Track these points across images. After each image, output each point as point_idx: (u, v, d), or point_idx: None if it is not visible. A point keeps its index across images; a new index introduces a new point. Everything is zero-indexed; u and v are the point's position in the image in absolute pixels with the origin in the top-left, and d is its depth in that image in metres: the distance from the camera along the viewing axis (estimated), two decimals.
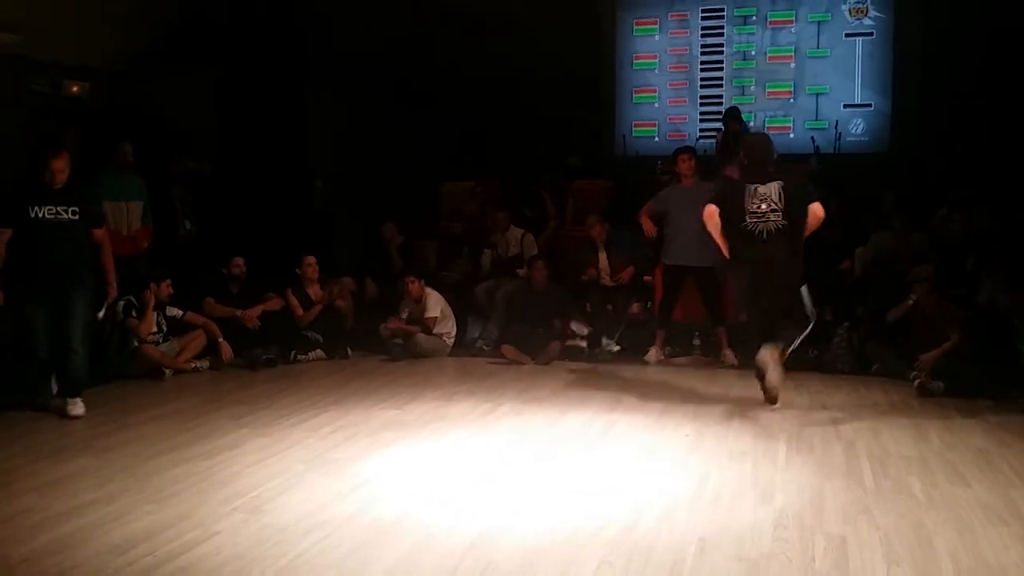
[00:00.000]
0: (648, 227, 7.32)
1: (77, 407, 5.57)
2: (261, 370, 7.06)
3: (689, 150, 7.45)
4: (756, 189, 5.61)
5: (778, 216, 5.55)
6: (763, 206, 5.58)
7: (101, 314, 5.94)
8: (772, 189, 5.59)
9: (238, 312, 7.40)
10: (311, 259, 7.70)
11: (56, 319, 5.55)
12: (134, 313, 6.79)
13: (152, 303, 6.83)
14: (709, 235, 6.89)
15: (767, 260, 5.56)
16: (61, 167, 5.56)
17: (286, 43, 9.97)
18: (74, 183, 5.67)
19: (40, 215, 5.49)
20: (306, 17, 10.19)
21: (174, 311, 7.06)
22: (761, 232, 5.58)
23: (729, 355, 7.13)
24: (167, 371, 6.71)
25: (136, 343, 6.71)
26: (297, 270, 7.68)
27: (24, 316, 5.51)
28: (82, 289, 5.64)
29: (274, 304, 7.60)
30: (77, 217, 5.60)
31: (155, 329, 6.89)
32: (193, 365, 6.98)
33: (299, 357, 7.40)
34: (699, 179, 7.17)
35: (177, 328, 7.06)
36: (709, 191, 7.00)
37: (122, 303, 6.76)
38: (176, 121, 9.17)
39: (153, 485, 4.25)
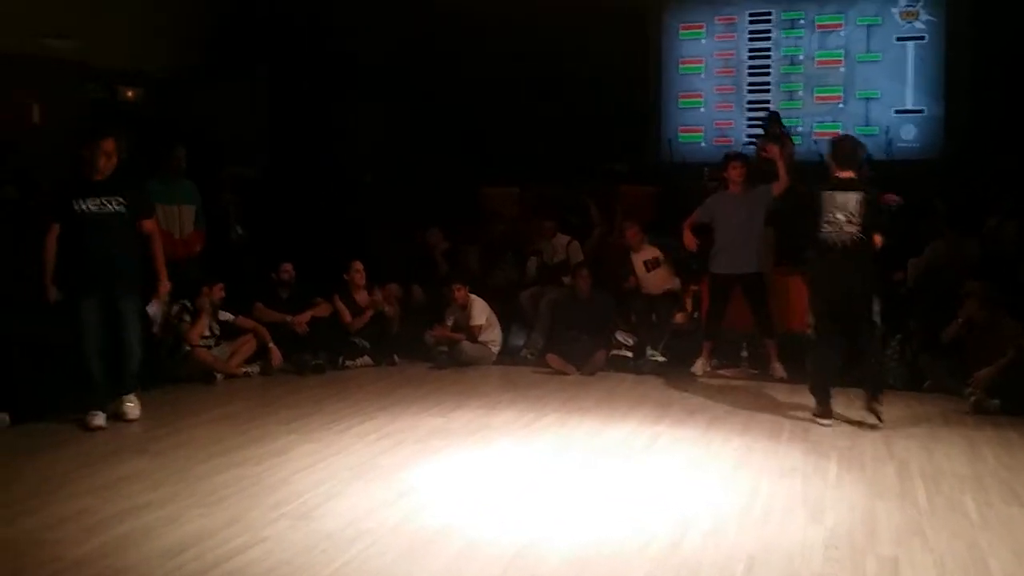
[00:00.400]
0: (689, 240, 7.20)
1: (133, 408, 5.59)
2: (309, 376, 7.14)
3: (740, 157, 7.37)
4: (834, 196, 5.49)
5: (853, 228, 5.43)
6: (839, 216, 5.46)
7: (152, 309, 5.91)
8: (851, 199, 5.47)
9: (288, 317, 7.48)
10: (359, 265, 7.75)
11: (108, 317, 5.46)
12: (187, 317, 6.90)
13: (206, 307, 6.93)
14: (757, 242, 6.86)
15: (840, 273, 5.48)
16: (109, 149, 5.43)
17: (333, 49, 10.09)
18: (120, 173, 5.54)
19: (85, 208, 5.37)
20: (352, 23, 10.31)
21: (226, 315, 7.17)
22: (835, 244, 5.48)
23: (778, 368, 7.02)
24: (218, 375, 6.81)
25: (188, 347, 6.82)
26: (345, 276, 7.74)
27: (76, 314, 5.40)
28: (133, 286, 5.57)
29: (323, 310, 7.67)
30: (124, 208, 5.47)
31: (207, 333, 7.00)
32: (244, 370, 7.08)
33: (347, 363, 7.46)
34: (748, 186, 7.10)
35: (228, 332, 7.16)
36: (757, 198, 6.96)
37: (176, 307, 6.88)
38: (226, 127, 9.34)
39: (203, 489, 4.32)
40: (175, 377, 6.74)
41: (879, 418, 5.52)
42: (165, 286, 5.81)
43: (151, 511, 4.01)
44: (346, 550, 3.58)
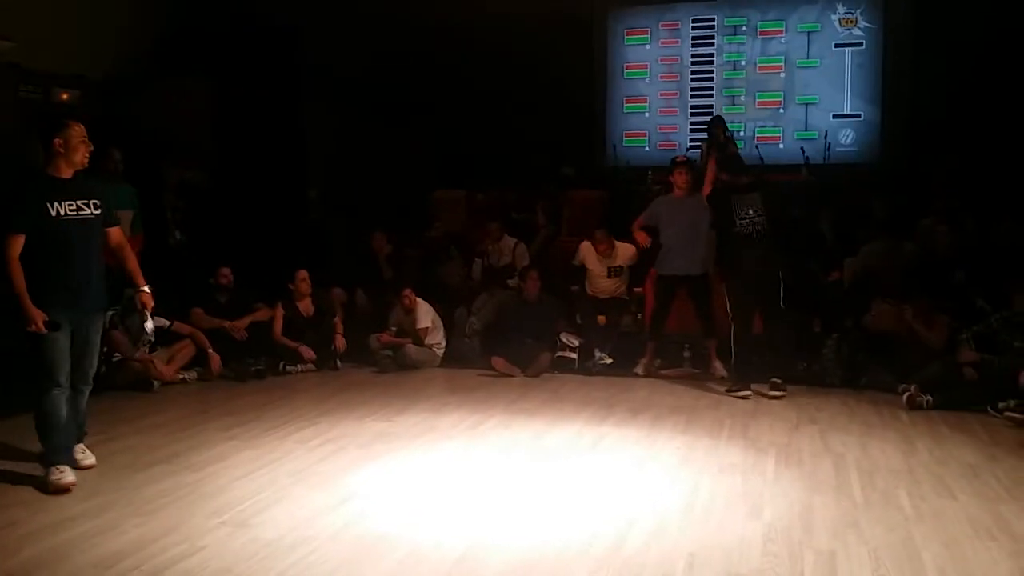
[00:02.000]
0: (643, 238, 7.31)
1: (88, 455, 4.74)
2: (250, 381, 7.03)
3: (687, 163, 7.46)
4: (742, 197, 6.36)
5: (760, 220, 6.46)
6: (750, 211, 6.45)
7: (151, 326, 4.88)
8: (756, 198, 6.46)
9: (226, 323, 7.36)
10: (304, 274, 7.65)
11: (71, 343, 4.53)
12: (119, 324, 6.75)
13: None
14: (702, 245, 6.97)
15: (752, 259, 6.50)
16: (86, 138, 4.52)
17: (281, 54, 9.98)
18: (85, 172, 4.64)
19: (61, 212, 4.40)
20: (301, 29, 10.21)
21: (161, 321, 7.01)
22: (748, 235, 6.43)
23: (718, 367, 7.14)
24: (155, 382, 6.67)
25: (121, 355, 6.67)
26: (290, 285, 7.63)
27: (43, 344, 4.39)
28: (103, 309, 4.79)
29: (262, 315, 7.58)
30: (99, 212, 4.57)
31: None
32: (181, 376, 6.94)
33: (288, 369, 7.37)
34: (693, 191, 7.20)
35: (165, 338, 7.02)
36: (701, 203, 7.07)
37: (110, 314, 6.71)
38: (170, 130, 9.15)
39: (140, 498, 4.23)
40: (110, 385, 6.58)
41: (782, 389, 6.40)
42: (150, 302, 4.81)
43: (86, 521, 3.92)
44: (286, 558, 3.53)
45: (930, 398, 6.04)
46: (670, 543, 3.67)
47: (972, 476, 4.58)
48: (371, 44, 10.65)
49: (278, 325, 7.50)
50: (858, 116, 10.98)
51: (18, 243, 4.34)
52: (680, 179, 7.23)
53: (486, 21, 10.55)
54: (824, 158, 10.46)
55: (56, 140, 4.40)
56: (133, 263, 4.79)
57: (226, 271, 7.60)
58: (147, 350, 6.83)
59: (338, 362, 7.58)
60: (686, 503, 4.16)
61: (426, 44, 10.90)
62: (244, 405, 6.21)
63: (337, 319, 7.80)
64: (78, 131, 4.47)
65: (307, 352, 7.44)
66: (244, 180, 9.54)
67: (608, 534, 3.76)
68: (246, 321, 7.47)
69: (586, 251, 7.84)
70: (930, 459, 4.90)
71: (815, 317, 7.14)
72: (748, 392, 6.42)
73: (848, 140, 10.99)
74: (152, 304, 4.80)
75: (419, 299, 7.65)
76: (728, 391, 6.55)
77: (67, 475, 4.37)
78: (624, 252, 7.76)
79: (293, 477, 4.54)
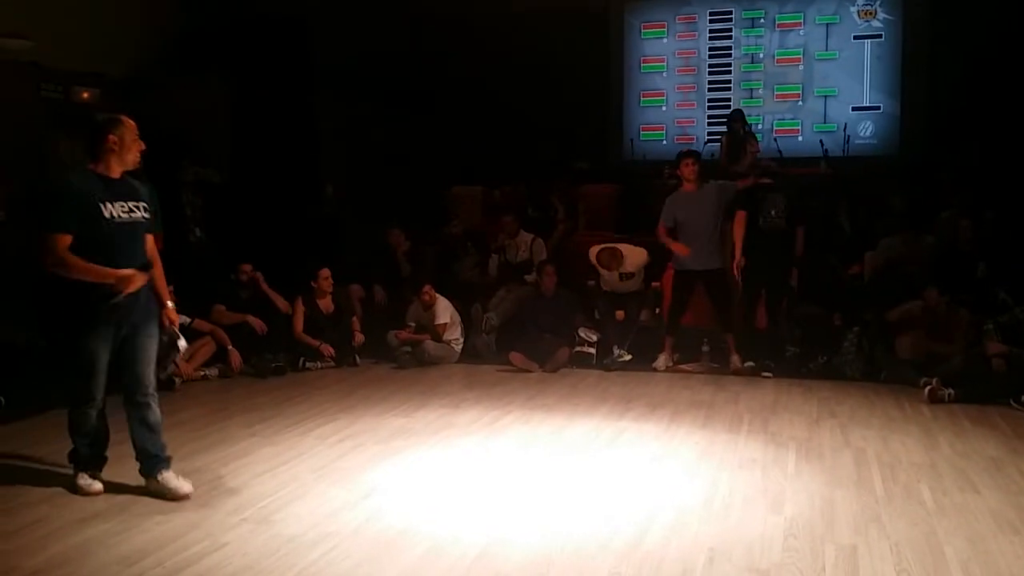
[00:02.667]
0: (679, 248, 7.18)
1: (183, 483, 4.26)
2: (270, 378, 7.07)
3: (693, 154, 7.41)
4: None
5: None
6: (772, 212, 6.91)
7: (183, 344, 4.59)
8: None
9: (248, 317, 7.41)
10: (326, 272, 7.66)
11: (114, 358, 4.20)
12: None
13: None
14: (715, 237, 6.95)
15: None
16: (138, 138, 4.18)
17: (296, 50, 10.02)
18: (133, 173, 4.29)
19: (114, 214, 4.06)
20: (315, 25, 10.24)
21: (182, 318, 7.05)
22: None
23: (736, 361, 7.11)
24: (176, 379, 6.72)
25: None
26: (312, 283, 7.66)
27: (83, 354, 4.10)
28: (155, 317, 4.33)
29: (282, 305, 7.60)
30: (148, 216, 4.25)
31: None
32: (202, 373, 6.99)
33: (308, 365, 7.41)
34: (702, 182, 7.17)
35: (185, 336, 7.05)
36: (712, 194, 7.05)
37: None
38: (187, 129, 9.22)
39: (165, 495, 4.25)
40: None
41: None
42: (175, 314, 4.50)
43: (109, 518, 3.95)
44: (307, 554, 3.55)
45: (952, 391, 6.00)
46: (690, 538, 3.67)
47: (995, 470, 4.55)
48: (387, 40, 10.68)
49: (299, 322, 7.54)
50: (877, 108, 10.91)
51: (65, 242, 3.96)
52: (688, 170, 7.19)
53: (503, 16, 10.56)
54: (843, 151, 10.42)
55: (110, 137, 4.07)
56: (160, 278, 4.40)
57: (247, 267, 7.63)
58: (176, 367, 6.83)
59: (357, 358, 7.61)
60: (706, 498, 4.15)
61: (441, 39, 10.92)
62: (264, 402, 6.25)
63: (355, 317, 7.83)
64: (132, 128, 4.17)
65: (327, 349, 7.47)
66: (260, 176, 9.60)
67: (628, 529, 3.75)
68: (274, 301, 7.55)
69: (595, 258, 7.83)
70: (952, 453, 4.87)
71: (835, 311, 7.10)
72: (770, 373, 6.86)
73: (867, 133, 10.92)
74: (178, 321, 4.52)
75: (438, 295, 7.67)
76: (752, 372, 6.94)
77: (94, 484, 4.32)
78: (635, 259, 7.72)
79: (314, 473, 4.56)
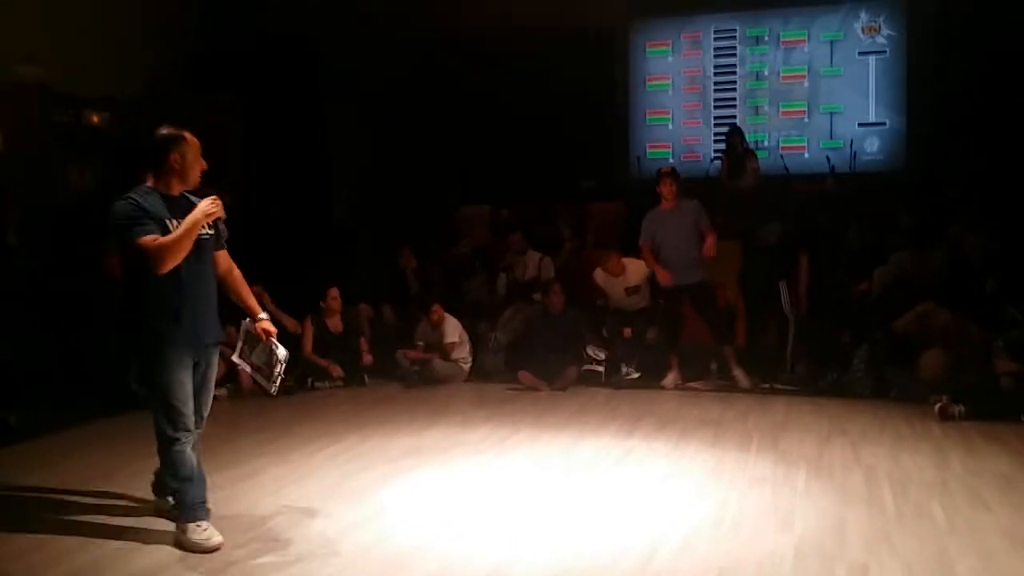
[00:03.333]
0: (663, 276, 7.28)
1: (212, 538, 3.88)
2: (279, 398, 7.06)
3: (672, 173, 7.45)
4: None
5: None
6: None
7: (283, 352, 4.32)
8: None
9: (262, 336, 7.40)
10: (335, 292, 7.69)
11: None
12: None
13: None
14: (696, 253, 6.98)
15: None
16: (201, 156, 3.99)
17: (305, 71, 10.10)
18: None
19: None
20: (325, 44, 10.32)
21: None
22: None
23: (740, 375, 7.11)
24: None
25: None
26: (321, 302, 7.68)
27: (170, 385, 3.86)
28: (219, 341, 4.18)
29: (291, 326, 7.62)
30: (212, 232, 4.03)
31: None
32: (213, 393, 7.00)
33: (316, 385, 7.42)
34: (680, 200, 7.20)
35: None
36: (690, 211, 7.11)
37: None
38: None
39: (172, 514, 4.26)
40: (144, 403, 6.65)
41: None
42: (271, 329, 4.32)
43: (117, 539, 3.95)
44: (317, 574, 3.55)
45: (962, 408, 5.97)
46: (700, 557, 3.65)
47: (1007, 487, 4.52)
48: (395, 59, 10.74)
49: (308, 342, 7.56)
50: (883, 124, 10.91)
51: (155, 239, 3.73)
52: (666, 189, 7.26)
53: (509, 35, 10.61)
54: (850, 167, 10.41)
55: (172, 156, 3.88)
56: (246, 289, 4.25)
57: (257, 288, 7.64)
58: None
59: (366, 378, 7.62)
60: (716, 517, 4.14)
61: (448, 58, 10.99)
62: (274, 422, 6.27)
63: (364, 337, 7.84)
64: (196, 146, 3.97)
65: (335, 370, 7.49)
66: (271, 196, 9.64)
67: (637, 548, 3.74)
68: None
69: (601, 279, 7.84)
70: (963, 470, 4.84)
71: (844, 328, 7.09)
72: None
73: (874, 148, 10.91)
74: (275, 330, 4.33)
75: (446, 314, 7.69)
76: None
77: (213, 536, 3.85)
78: (636, 270, 7.75)
79: (323, 493, 4.57)
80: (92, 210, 7.30)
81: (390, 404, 6.86)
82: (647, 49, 11.75)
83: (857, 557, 3.62)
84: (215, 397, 6.93)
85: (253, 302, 4.31)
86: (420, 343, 7.69)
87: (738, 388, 7.11)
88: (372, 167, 10.65)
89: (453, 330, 7.63)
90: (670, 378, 7.28)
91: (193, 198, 3.96)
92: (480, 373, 7.83)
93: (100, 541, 3.92)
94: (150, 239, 3.73)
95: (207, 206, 3.87)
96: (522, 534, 3.96)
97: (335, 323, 7.73)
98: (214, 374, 4.16)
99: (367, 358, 7.70)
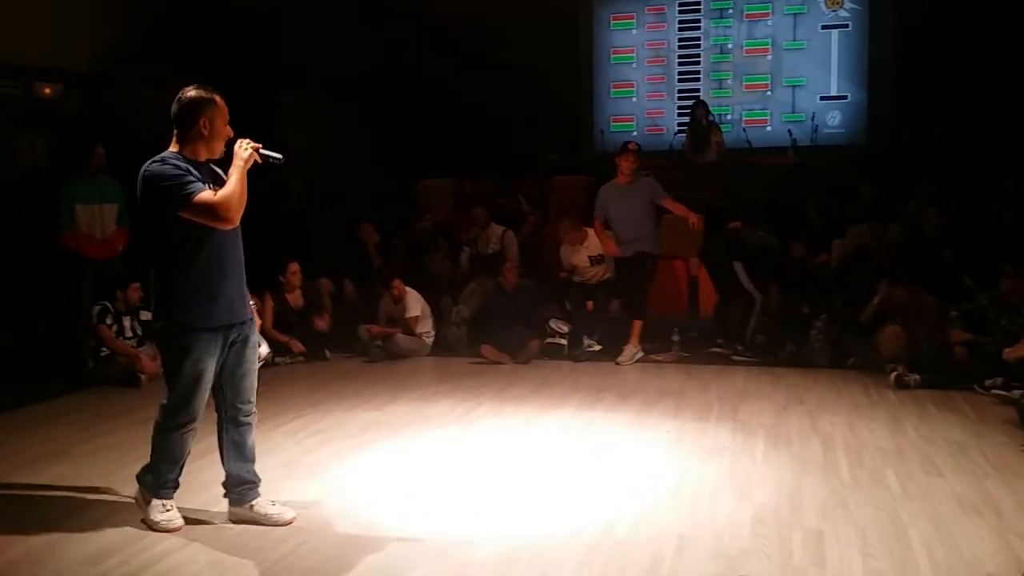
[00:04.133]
0: (612, 249, 7.36)
1: (285, 510, 3.84)
2: None
3: (637, 151, 7.45)
4: None
5: None
6: None
7: (265, 351, 4.08)
8: None
9: None
10: (295, 266, 7.59)
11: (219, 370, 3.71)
12: (108, 319, 6.72)
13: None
14: (644, 228, 7.06)
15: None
16: (227, 124, 3.68)
17: (263, 45, 9.91)
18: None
19: None
20: (283, 19, 10.13)
21: (147, 315, 6.99)
22: None
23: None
24: (143, 377, 6.64)
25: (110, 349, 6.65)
26: (281, 277, 7.59)
27: (201, 370, 3.60)
28: (253, 323, 3.86)
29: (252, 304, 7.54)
30: None
31: (129, 334, 6.84)
32: None
33: (277, 360, 7.34)
34: (636, 177, 7.24)
35: (153, 332, 6.98)
36: (643, 188, 7.13)
37: (97, 308, 6.71)
38: (153, 126, 9.07)
39: (129, 493, 4.20)
40: (98, 380, 6.56)
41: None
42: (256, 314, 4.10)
43: (74, 517, 3.90)
44: (276, 549, 3.52)
45: (917, 377, 6.08)
46: (660, 526, 3.69)
47: (959, 453, 4.61)
48: (353, 32, 10.57)
49: (268, 317, 7.47)
50: (845, 98, 11.00)
51: (210, 195, 3.47)
52: (626, 164, 7.24)
53: (471, 7, 10.49)
54: (812, 140, 10.50)
55: (202, 120, 3.58)
56: None
57: None
58: (135, 344, 6.79)
59: (327, 352, 7.56)
60: (676, 486, 4.17)
61: (408, 31, 10.85)
62: None
63: (325, 311, 7.76)
64: (225, 111, 3.66)
65: (296, 346, 7.42)
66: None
67: (598, 519, 3.77)
68: None
69: (566, 254, 7.83)
70: (917, 438, 4.93)
71: (803, 299, 7.17)
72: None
73: (835, 122, 11.01)
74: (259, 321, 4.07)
75: (408, 288, 7.64)
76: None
77: (175, 519, 3.74)
78: (598, 239, 7.76)
79: (283, 468, 4.52)
80: (43, 183, 7.16)
81: (351, 379, 6.81)
82: (611, 22, 11.72)
83: (813, 524, 3.68)
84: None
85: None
86: (382, 317, 7.64)
87: (703, 360, 7.15)
88: (332, 142, 10.50)
89: (415, 304, 7.58)
90: (628, 350, 7.29)
91: (216, 169, 3.70)
92: (443, 347, 7.80)
93: (57, 519, 3.86)
94: (208, 193, 3.46)
95: (245, 151, 3.61)
96: (483, 508, 3.97)
97: (295, 298, 7.65)
98: (254, 355, 3.83)
99: (319, 324, 7.59)
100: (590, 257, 7.75)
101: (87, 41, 9.12)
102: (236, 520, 3.81)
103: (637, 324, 7.26)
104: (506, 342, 7.32)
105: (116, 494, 4.19)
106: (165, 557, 3.47)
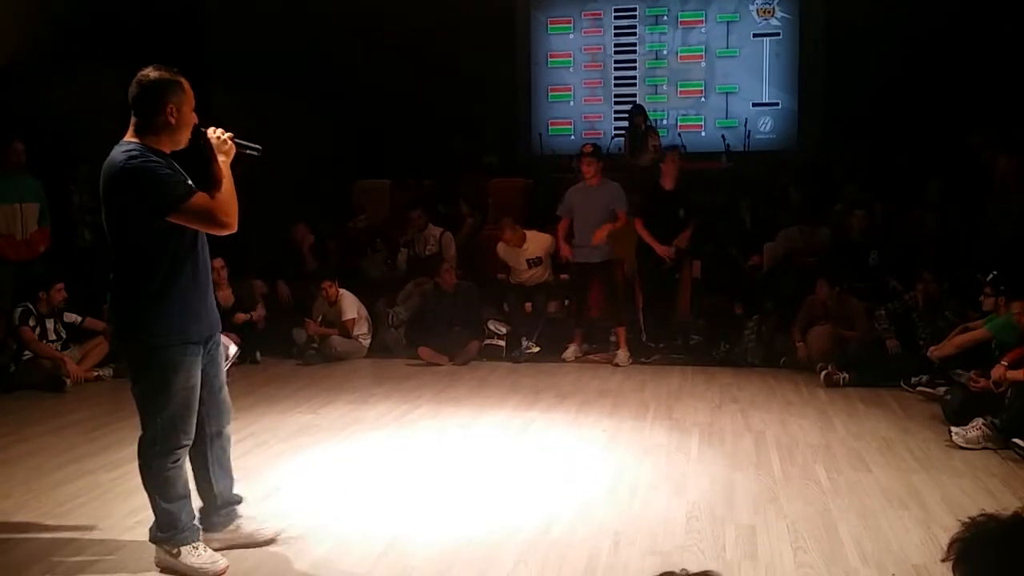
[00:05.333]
0: (565, 251, 7.36)
1: (268, 526, 3.60)
2: None
3: (593, 153, 7.36)
4: None
5: None
6: None
7: (234, 351, 3.79)
8: None
9: None
10: (219, 262, 7.40)
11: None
12: (31, 322, 6.49)
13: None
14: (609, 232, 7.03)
15: None
16: (193, 111, 3.30)
17: (192, 42, 9.69)
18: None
19: None
20: (212, 16, 9.93)
21: (72, 317, 6.78)
22: None
23: (622, 357, 7.18)
24: (68, 380, 6.43)
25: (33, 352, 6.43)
26: None
27: (190, 390, 3.23)
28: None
29: None
30: None
31: (53, 337, 6.62)
32: (96, 374, 6.71)
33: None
34: (600, 180, 7.25)
35: (78, 335, 6.78)
36: (608, 192, 7.16)
37: (19, 310, 6.48)
38: (78, 124, 8.80)
39: (53, 499, 4.08)
40: (20, 384, 6.33)
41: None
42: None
43: None
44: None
45: (846, 375, 6.24)
46: (596, 524, 3.70)
47: (886, 449, 4.74)
48: (288, 31, 10.42)
49: None
50: (776, 105, 11.23)
51: (203, 197, 3.14)
52: (585, 169, 7.26)
53: (408, 8, 10.44)
54: (744, 146, 10.68)
55: (169, 106, 3.18)
56: None
57: None
58: (59, 347, 6.58)
59: (258, 355, 7.40)
60: (612, 484, 4.20)
61: (350, 35, 10.74)
62: None
63: (260, 307, 7.60)
64: (191, 96, 3.28)
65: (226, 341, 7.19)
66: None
67: (536, 518, 3.77)
68: None
69: (503, 252, 7.84)
70: (847, 434, 5.05)
71: (736, 300, 7.30)
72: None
73: (767, 128, 11.23)
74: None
75: (343, 290, 7.55)
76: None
77: (219, 561, 3.31)
78: (538, 243, 7.77)
79: None
80: None
81: (285, 382, 6.70)
82: (549, 26, 11.77)
83: (745, 519, 3.74)
84: (98, 377, 6.76)
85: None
86: (318, 319, 7.52)
87: (641, 361, 7.21)
88: (265, 142, 10.31)
89: (351, 306, 7.50)
90: (571, 350, 7.35)
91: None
92: (380, 349, 7.73)
93: None
94: (203, 197, 3.10)
95: (225, 143, 3.27)
96: (420, 509, 3.93)
97: (224, 296, 7.46)
98: (224, 365, 3.51)
99: (241, 317, 7.37)
100: (528, 260, 7.77)
101: (5, 34, 8.81)
102: (219, 548, 3.40)
103: (623, 332, 7.29)
104: (444, 344, 7.29)
105: (39, 501, 4.04)
106: (92, 565, 3.38)
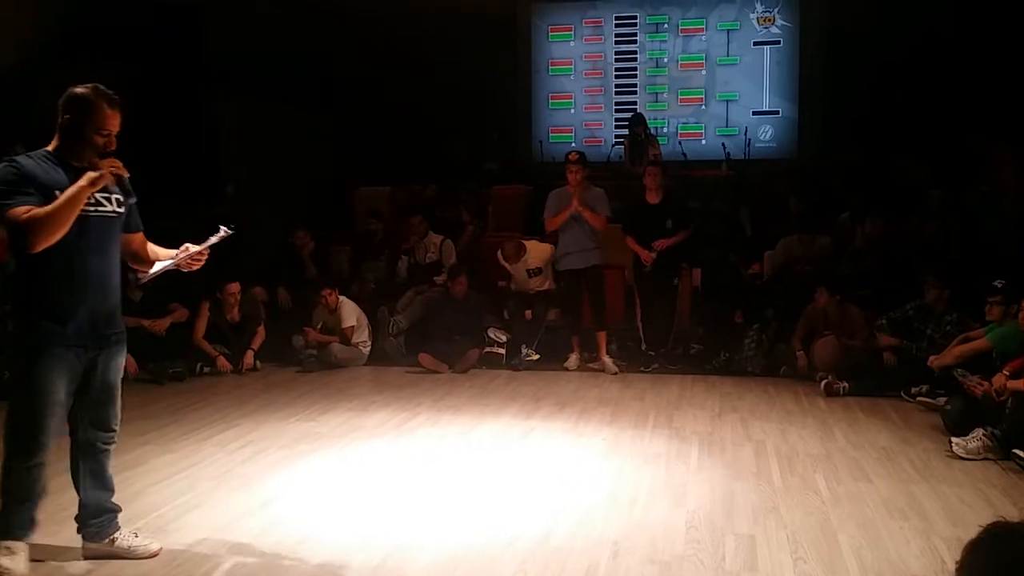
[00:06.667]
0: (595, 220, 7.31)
1: (150, 541, 3.56)
2: (168, 384, 6.82)
3: (578, 161, 7.28)
4: None
5: None
6: None
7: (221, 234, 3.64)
8: None
9: (144, 322, 7.13)
10: (234, 287, 7.34)
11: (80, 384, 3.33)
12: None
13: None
14: (594, 239, 7.00)
15: None
16: (118, 124, 3.30)
17: (191, 45, 9.71)
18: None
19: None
20: (211, 19, 9.95)
21: None
22: None
23: (608, 362, 7.18)
24: None
25: None
26: (218, 295, 7.38)
27: (37, 387, 3.18)
28: (123, 340, 3.49)
29: (180, 315, 7.36)
30: (123, 211, 3.40)
31: None
32: None
33: (205, 370, 7.17)
34: (585, 186, 7.23)
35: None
36: (593, 199, 7.14)
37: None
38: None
39: (49, 507, 4.00)
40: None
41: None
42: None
43: None
44: (203, 564, 3.42)
45: (846, 385, 6.23)
46: (596, 533, 3.69)
47: (886, 459, 4.73)
48: (289, 38, 10.45)
49: (201, 326, 7.29)
50: (776, 113, 11.26)
51: (21, 210, 3.07)
52: (570, 177, 7.23)
53: (410, 16, 10.48)
54: (745, 154, 10.70)
55: (70, 118, 3.25)
56: (162, 252, 3.61)
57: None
58: None
59: (257, 363, 7.39)
60: (611, 493, 4.19)
61: (353, 41, 10.76)
62: (162, 408, 6.03)
63: (260, 328, 7.56)
64: (104, 117, 3.26)
65: (224, 364, 7.19)
66: (156, 177, 9.22)
67: (534, 527, 3.75)
68: (167, 322, 7.26)
69: (503, 260, 7.83)
70: (847, 444, 5.04)
71: (736, 309, 7.29)
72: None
73: (767, 136, 11.25)
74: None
75: (343, 298, 7.54)
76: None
77: (19, 562, 3.24)
78: (538, 253, 7.76)
79: (213, 481, 4.41)
80: None
81: (285, 389, 6.69)
82: (550, 33, 11.81)
83: (745, 529, 3.72)
84: None
85: (167, 251, 3.61)
86: (318, 326, 7.51)
87: (639, 369, 7.20)
88: (266, 147, 10.33)
89: (351, 314, 7.49)
90: (572, 359, 7.34)
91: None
92: (380, 357, 7.72)
93: None
94: (22, 210, 3.06)
95: (96, 174, 3.17)
96: (419, 517, 3.92)
97: (233, 314, 7.46)
98: (118, 379, 3.46)
99: (249, 357, 7.34)
100: (528, 270, 7.77)
101: (5, 35, 8.82)
102: (92, 557, 3.42)
103: (603, 337, 7.30)
104: (444, 351, 7.28)
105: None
106: (89, 572, 3.35)
